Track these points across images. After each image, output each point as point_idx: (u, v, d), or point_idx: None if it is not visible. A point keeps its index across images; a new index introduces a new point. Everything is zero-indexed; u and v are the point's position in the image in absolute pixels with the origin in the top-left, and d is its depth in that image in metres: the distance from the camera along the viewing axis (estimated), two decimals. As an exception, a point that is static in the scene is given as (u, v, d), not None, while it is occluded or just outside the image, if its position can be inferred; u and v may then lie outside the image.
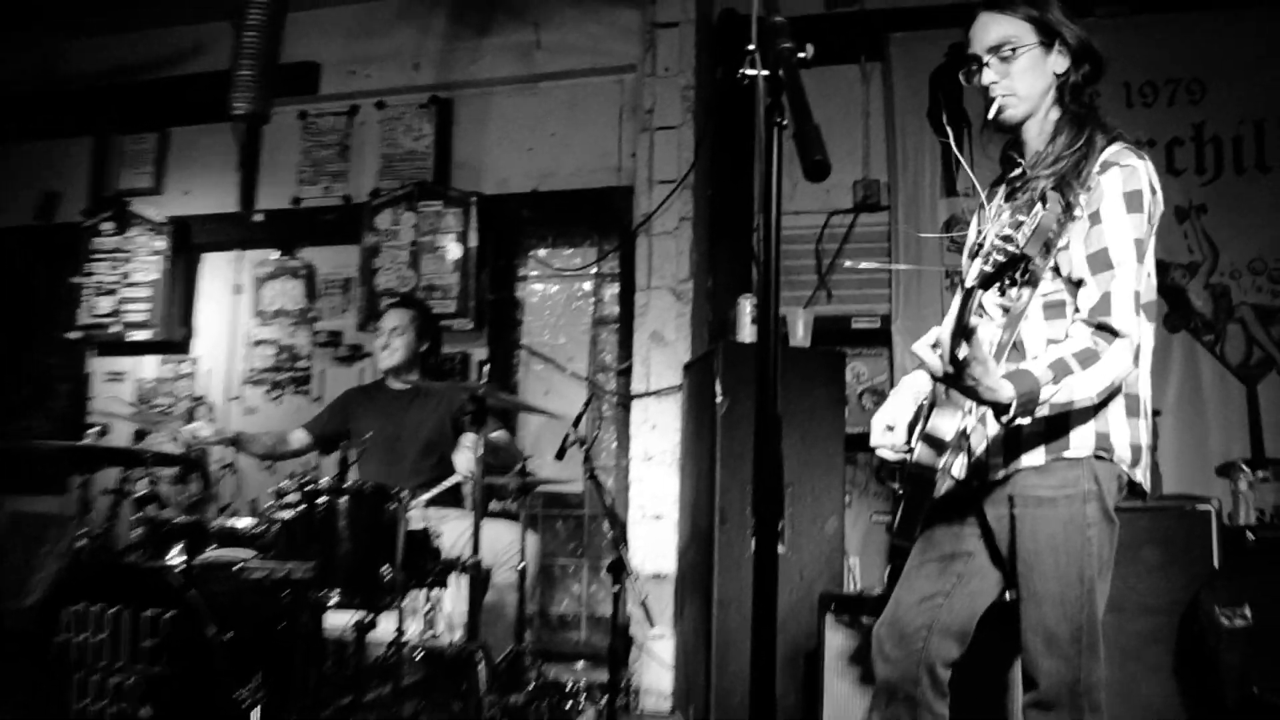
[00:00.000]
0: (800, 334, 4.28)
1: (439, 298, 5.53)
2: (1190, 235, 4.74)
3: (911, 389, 2.30)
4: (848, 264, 4.98)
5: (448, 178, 5.78)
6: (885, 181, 5.18)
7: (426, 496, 3.94)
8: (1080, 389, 1.98)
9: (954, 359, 1.76)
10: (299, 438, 4.51)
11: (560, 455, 3.89)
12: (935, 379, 1.89)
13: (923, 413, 2.21)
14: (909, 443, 2.20)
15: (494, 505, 4.90)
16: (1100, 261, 2.03)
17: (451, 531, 4.03)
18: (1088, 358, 1.98)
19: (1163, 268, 4.67)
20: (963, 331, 1.71)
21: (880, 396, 4.93)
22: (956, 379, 1.83)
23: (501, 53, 5.62)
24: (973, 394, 1.86)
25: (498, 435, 4.20)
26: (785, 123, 1.48)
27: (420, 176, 5.76)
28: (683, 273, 4.88)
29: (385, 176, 5.83)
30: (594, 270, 5.57)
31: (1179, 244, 4.77)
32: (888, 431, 2.23)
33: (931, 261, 4.90)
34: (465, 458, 3.93)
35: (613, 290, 5.51)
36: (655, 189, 4.98)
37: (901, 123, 5.15)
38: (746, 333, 4.27)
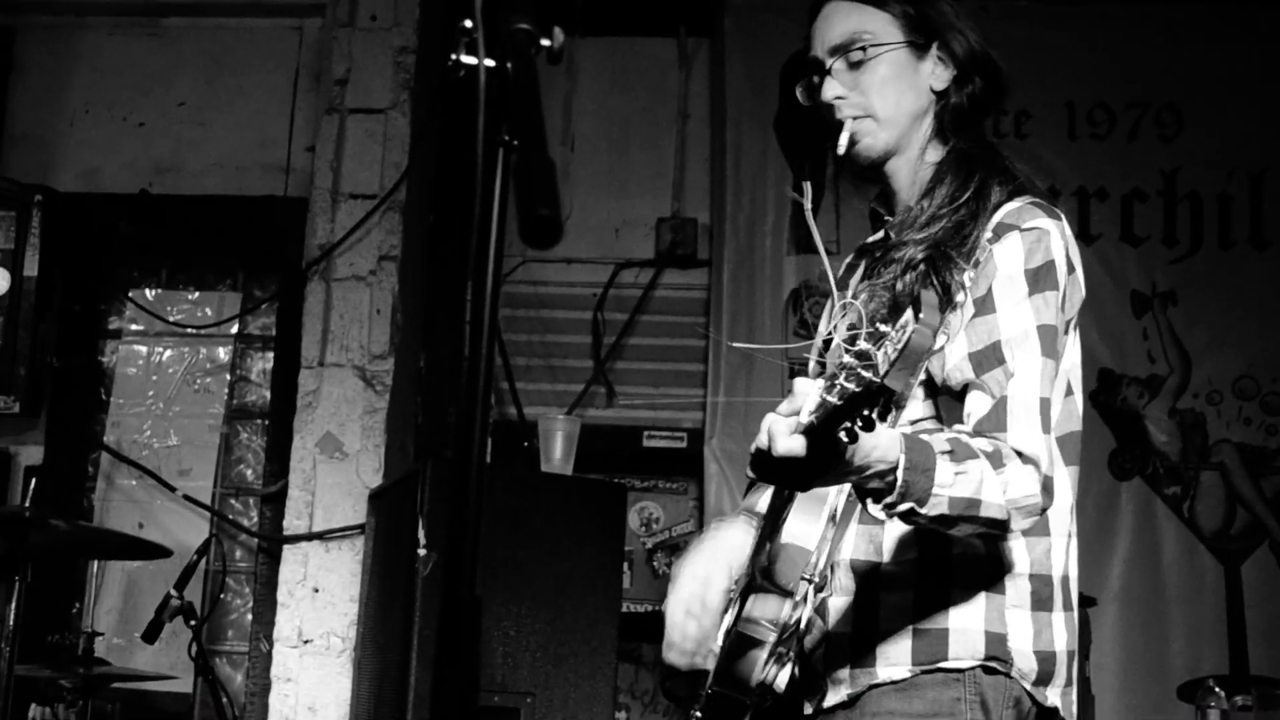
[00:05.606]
0: (559, 454, 4.01)
1: (-37, 357, 4.93)
2: (1152, 336, 4.49)
3: (723, 549, 1.97)
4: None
5: (-3, 158, 5.18)
6: (706, 223, 4.81)
7: None
8: (990, 487, 1.68)
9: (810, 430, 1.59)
10: None
11: (152, 635, 3.66)
12: (766, 471, 1.60)
13: (734, 598, 1.95)
14: (720, 640, 1.94)
15: (34, 714, 4.29)
16: (990, 358, 1.81)
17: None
18: (994, 456, 1.70)
19: (1110, 381, 4.44)
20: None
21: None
22: (824, 458, 1.61)
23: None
24: (842, 469, 1.60)
25: None
26: (513, 141, 1.34)
27: (-54, 154, 5.20)
28: (379, 345, 4.49)
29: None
30: (234, 330, 5.04)
31: (1135, 348, 4.48)
32: (688, 619, 1.93)
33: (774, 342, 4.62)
34: None
35: (263, 364, 5.02)
36: (343, 206, 4.60)
37: (736, 135, 4.75)
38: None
